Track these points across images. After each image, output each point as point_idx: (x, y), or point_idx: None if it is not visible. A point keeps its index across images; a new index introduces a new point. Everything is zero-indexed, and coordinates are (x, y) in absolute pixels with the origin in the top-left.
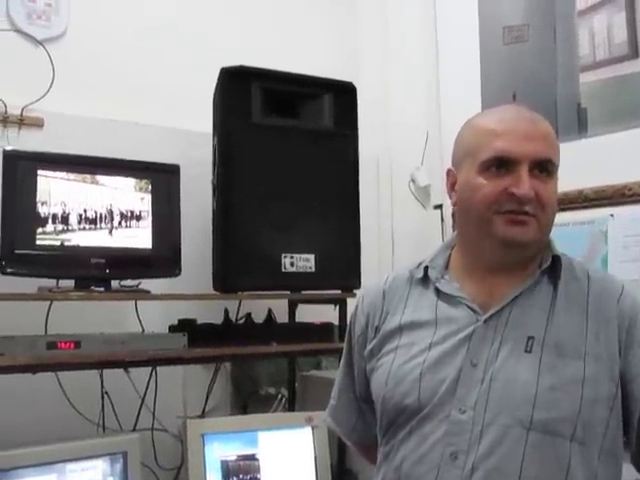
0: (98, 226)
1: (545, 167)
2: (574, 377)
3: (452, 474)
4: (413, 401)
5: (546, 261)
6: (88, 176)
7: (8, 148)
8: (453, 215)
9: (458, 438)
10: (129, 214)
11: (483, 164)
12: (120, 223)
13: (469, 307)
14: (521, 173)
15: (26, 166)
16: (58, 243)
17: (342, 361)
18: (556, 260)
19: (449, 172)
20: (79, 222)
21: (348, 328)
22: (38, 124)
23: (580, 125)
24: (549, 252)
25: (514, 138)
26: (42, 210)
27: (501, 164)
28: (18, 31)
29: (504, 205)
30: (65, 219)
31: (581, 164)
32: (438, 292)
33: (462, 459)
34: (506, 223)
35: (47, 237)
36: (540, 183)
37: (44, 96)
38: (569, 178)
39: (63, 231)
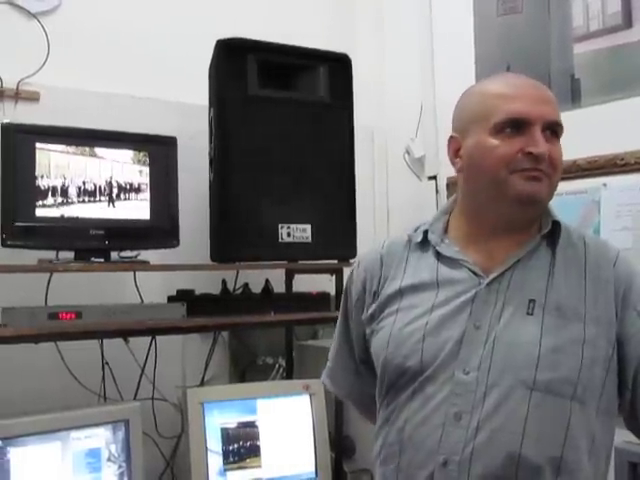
0: (97, 198)
1: (554, 129)
2: (575, 339)
3: (456, 434)
4: (415, 363)
5: (546, 226)
6: (87, 149)
7: (5, 121)
8: (447, 186)
9: (462, 399)
10: (128, 186)
11: (496, 126)
12: (119, 195)
13: (471, 270)
14: (535, 133)
15: (24, 139)
16: (58, 215)
17: (338, 325)
18: (556, 225)
19: (452, 139)
20: (78, 195)
21: (344, 293)
22: (34, 98)
23: (573, 96)
24: (548, 217)
25: (527, 100)
26: (41, 182)
27: (514, 126)
28: (12, 4)
29: (520, 164)
30: (64, 191)
31: (574, 134)
32: (438, 255)
33: (466, 419)
34: (524, 179)
35: (47, 209)
36: (551, 145)
37: (40, 70)
38: (563, 148)
39: (63, 204)
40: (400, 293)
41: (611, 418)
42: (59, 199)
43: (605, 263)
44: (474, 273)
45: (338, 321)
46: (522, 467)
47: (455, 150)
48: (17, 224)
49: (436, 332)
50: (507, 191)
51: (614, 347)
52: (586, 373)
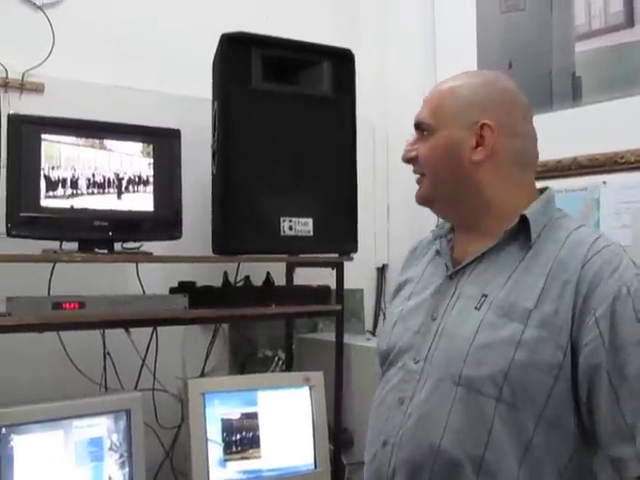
0: (106, 190)
1: (421, 128)
2: (509, 338)
3: (397, 417)
4: (386, 347)
5: (513, 221)
6: (96, 141)
7: (11, 112)
8: None
9: (407, 385)
10: (137, 179)
11: None
12: (128, 188)
13: (445, 264)
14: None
15: (30, 130)
16: (62, 206)
17: None
18: (524, 221)
19: None
20: (88, 186)
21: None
22: (39, 89)
23: (574, 94)
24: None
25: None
26: (46, 173)
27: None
28: None
29: None
30: (74, 183)
31: (575, 132)
32: (437, 250)
33: (406, 404)
34: None
35: (56, 200)
36: (420, 142)
37: (44, 61)
38: (563, 146)
39: (73, 195)
40: (404, 283)
41: (562, 430)
42: (69, 190)
43: (574, 261)
44: (447, 266)
45: None
46: (440, 459)
47: None
48: (22, 214)
49: (405, 319)
50: None
51: (565, 354)
52: (516, 376)
